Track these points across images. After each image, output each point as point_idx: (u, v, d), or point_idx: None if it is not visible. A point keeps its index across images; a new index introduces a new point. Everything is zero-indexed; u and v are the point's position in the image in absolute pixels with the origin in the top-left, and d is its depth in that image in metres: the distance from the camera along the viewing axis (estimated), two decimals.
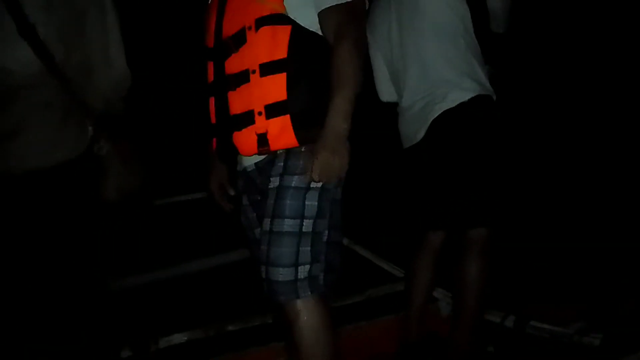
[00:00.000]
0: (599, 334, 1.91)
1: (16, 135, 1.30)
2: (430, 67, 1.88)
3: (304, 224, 1.34)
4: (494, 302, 2.09)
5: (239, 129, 1.37)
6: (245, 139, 1.37)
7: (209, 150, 1.58)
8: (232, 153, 1.44)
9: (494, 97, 1.91)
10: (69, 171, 1.33)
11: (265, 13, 1.32)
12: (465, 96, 1.85)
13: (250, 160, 1.43)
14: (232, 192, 1.60)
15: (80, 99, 1.34)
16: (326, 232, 1.39)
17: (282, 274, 1.33)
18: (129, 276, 2.31)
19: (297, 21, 1.33)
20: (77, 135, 1.35)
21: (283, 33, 1.32)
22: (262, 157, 1.40)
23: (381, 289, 2.34)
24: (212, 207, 1.65)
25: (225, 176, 1.61)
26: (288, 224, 1.33)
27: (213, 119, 1.46)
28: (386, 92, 2.07)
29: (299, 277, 1.33)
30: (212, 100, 1.45)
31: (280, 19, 1.32)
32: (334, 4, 1.33)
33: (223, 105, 1.40)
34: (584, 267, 2.51)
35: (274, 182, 1.37)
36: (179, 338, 1.97)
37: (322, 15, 1.35)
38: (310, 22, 1.35)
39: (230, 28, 1.38)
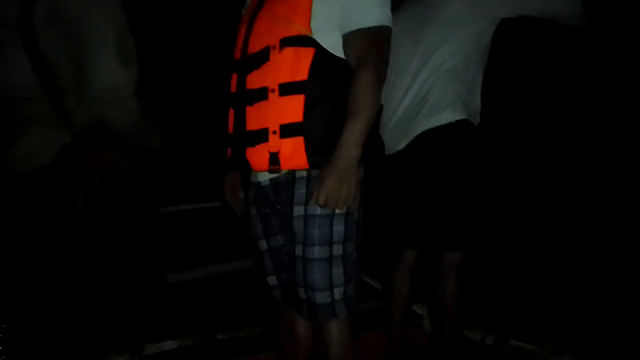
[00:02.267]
0: (572, 354, 2.02)
1: (14, 142, 1.38)
2: (432, 80, 1.88)
3: (333, 249, 1.39)
4: (475, 320, 2.17)
5: (253, 145, 1.39)
6: (257, 155, 1.39)
7: (226, 156, 1.60)
8: (245, 165, 1.46)
9: (476, 125, 1.94)
10: (45, 176, 1.39)
11: (291, 34, 1.34)
12: (456, 117, 1.86)
13: (265, 176, 1.45)
14: (242, 196, 1.63)
15: (66, 109, 1.39)
16: (354, 253, 1.44)
17: (320, 297, 1.40)
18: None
19: (322, 43, 1.35)
20: (56, 143, 1.42)
21: (306, 55, 1.34)
22: (278, 174, 1.42)
23: (366, 305, 2.39)
24: (223, 214, 1.69)
25: (237, 181, 1.63)
26: (319, 251, 1.39)
27: (230, 130, 1.49)
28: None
29: (335, 298, 1.41)
30: (231, 112, 1.48)
31: (305, 41, 1.34)
32: (359, 27, 1.35)
33: (241, 118, 1.43)
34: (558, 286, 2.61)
35: (299, 210, 1.40)
36: (169, 345, 1.97)
37: (347, 38, 1.36)
38: (334, 44, 1.37)
39: (255, 44, 1.40)
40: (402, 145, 1.93)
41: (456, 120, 1.87)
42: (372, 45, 1.35)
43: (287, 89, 1.34)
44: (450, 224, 1.92)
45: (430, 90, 1.88)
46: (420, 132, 1.88)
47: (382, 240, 2.11)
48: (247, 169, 1.48)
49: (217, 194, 1.74)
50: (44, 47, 1.40)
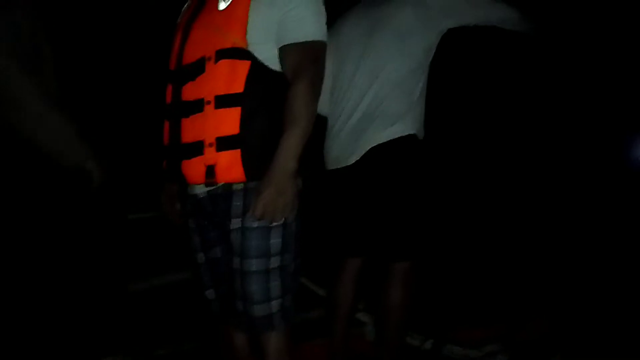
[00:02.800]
0: (505, 356, 2.10)
1: None
2: (383, 92, 1.89)
3: (271, 261, 1.40)
4: (417, 325, 2.21)
5: (188, 158, 1.37)
6: (193, 168, 1.37)
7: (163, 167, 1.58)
8: (181, 177, 1.43)
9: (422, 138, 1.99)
10: None
11: (227, 46, 1.33)
12: (406, 131, 1.89)
13: (202, 188, 1.42)
14: (179, 208, 1.60)
15: None
16: (292, 264, 1.45)
17: (257, 310, 1.40)
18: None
19: (258, 56, 1.34)
20: None
21: (242, 68, 1.33)
22: (215, 186, 1.40)
23: (310, 313, 2.39)
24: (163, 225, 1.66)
25: (175, 192, 1.61)
26: (256, 263, 1.39)
27: (165, 142, 1.46)
28: (322, 102, 2.12)
29: (272, 311, 1.41)
30: (166, 123, 1.45)
31: (241, 53, 1.33)
32: (294, 41, 1.35)
33: (176, 130, 1.40)
34: (502, 290, 2.70)
35: (236, 223, 1.39)
36: None
37: (282, 51, 1.36)
38: (271, 56, 1.37)
39: (191, 55, 1.38)
40: (353, 159, 1.93)
41: (407, 134, 1.90)
42: (308, 59, 1.36)
43: (223, 101, 1.33)
44: (401, 235, 1.95)
45: (381, 105, 1.90)
46: (371, 146, 1.90)
47: (326, 249, 2.12)
48: (183, 181, 1.46)
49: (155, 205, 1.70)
50: None
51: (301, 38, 1.36)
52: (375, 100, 1.91)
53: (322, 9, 1.41)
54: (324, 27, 1.41)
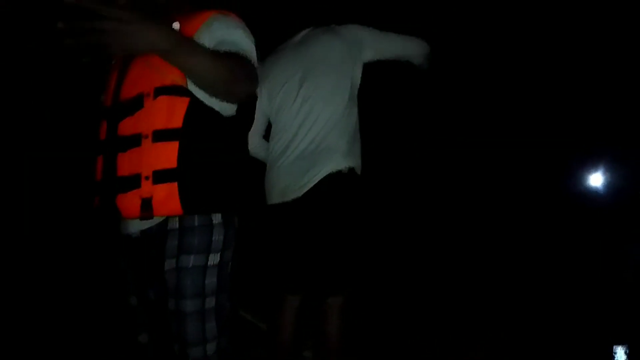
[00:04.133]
0: None
1: None
2: (324, 130, 1.94)
3: (206, 301, 1.37)
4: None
5: (124, 192, 1.35)
6: (129, 201, 1.34)
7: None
8: (113, 215, 1.40)
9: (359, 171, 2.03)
10: None
11: (166, 83, 1.34)
12: (347, 164, 1.93)
13: (135, 227, 1.40)
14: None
15: None
16: (227, 304, 1.43)
17: (193, 352, 1.36)
18: None
19: (196, 94, 1.35)
20: None
21: (181, 104, 1.34)
22: (149, 225, 1.38)
23: (251, 353, 2.35)
24: None
25: None
26: (191, 304, 1.36)
27: (98, 177, 1.43)
28: (257, 144, 2.15)
29: (208, 353, 1.37)
30: (100, 159, 1.43)
31: (180, 90, 1.34)
32: (231, 50, 1.33)
33: (110, 165, 1.39)
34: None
35: (170, 263, 1.36)
36: None
37: None
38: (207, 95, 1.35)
39: (129, 91, 1.38)
40: (299, 192, 1.94)
41: (347, 168, 1.94)
42: (238, 57, 1.33)
43: (161, 135, 1.33)
44: (338, 270, 1.96)
45: (323, 142, 1.94)
46: (317, 179, 1.92)
47: (267, 284, 2.10)
48: (114, 219, 1.42)
49: None
50: None
51: (235, 50, 1.35)
52: (317, 138, 1.95)
53: (250, 39, 1.42)
54: (254, 53, 1.41)
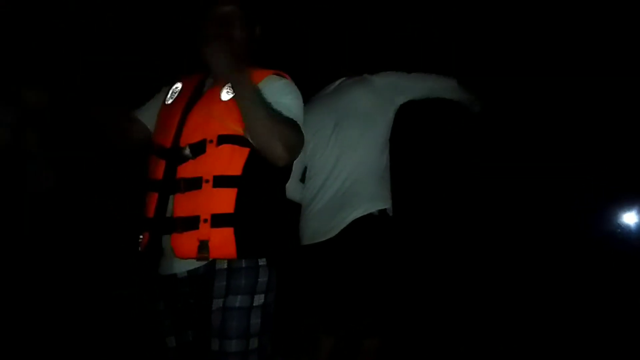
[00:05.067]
0: None
1: None
2: (351, 173, 2.01)
3: (250, 342, 1.39)
4: None
5: (180, 232, 1.38)
6: (185, 242, 1.38)
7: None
8: (159, 252, 1.43)
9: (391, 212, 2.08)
10: None
11: (228, 132, 1.40)
12: (377, 207, 1.99)
13: (182, 267, 1.42)
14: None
15: None
16: (269, 345, 1.44)
17: None
18: None
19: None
20: None
21: (241, 153, 1.40)
22: (197, 265, 1.40)
23: None
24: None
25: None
26: (236, 345, 1.37)
27: (150, 214, 1.45)
28: (293, 188, 2.17)
29: None
30: (154, 196, 1.46)
31: (241, 140, 1.40)
32: (285, 115, 1.41)
33: (164, 204, 1.42)
34: None
35: (217, 303, 1.39)
36: None
37: None
38: None
39: (191, 136, 1.43)
40: (331, 234, 1.98)
41: (378, 211, 2.00)
42: (290, 122, 1.43)
43: (221, 181, 1.39)
44: (373, 311, 1.98)
45: (355, 186, 2.01)
46: (348, 222, 1.96)
47: (300, 326, 2.11)
48: (157, 258, 1.44)
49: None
50: None
51: (286, 115, 1.43)
52: (346, 183, 2.02)
53: (302, 108, 1.51)
54: (302, 121, 1.50)
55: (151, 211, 1.45)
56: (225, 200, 1.38)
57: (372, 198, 2.00)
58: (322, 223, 2.01)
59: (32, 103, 1.61)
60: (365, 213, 1.97)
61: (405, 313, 2.26)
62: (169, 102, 1.58)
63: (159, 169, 1.47)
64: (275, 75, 1.51)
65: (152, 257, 1.48)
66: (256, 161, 1.41)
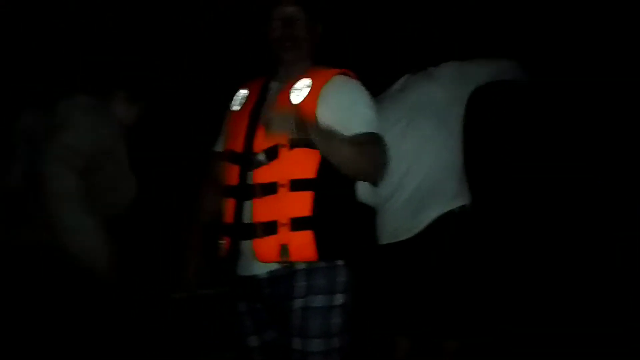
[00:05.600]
0: None
1: None
2: (428, 172, 1.96)
3: (331, 341, 1.41)
4: None
5: (260, 236, 1.41)
6: (266, 246, 1.41)
7: (190, 244, 1.61)
8: (238, 256, 1.46)
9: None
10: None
11: (300, 135, 1.40)
12: (457, 204, 1.95)
13: (262, 268, 1.44)
14: (206, 283, 1.59)
15: None
16: (348, 345, 1.44)
17: None
18: None
19: None
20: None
21: (314, 156, 1.41)
22: (277, 266, 1.43)
23: None
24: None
25: (205, 270, 1.61)
26: (318, 344, 1.39)
27: (230, 220, 1.49)
28: (365, 189, 2.16)
29: None
30: (231, 202, 1.49)
31: (313, 143, 1.39)
32: (363, 131, 1.43)
33: (241, 209, 1.46)
34: None
35: (298, 302, 1.41)
36: None
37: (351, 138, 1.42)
38: None
39: (263, 142, 1.44)
40: (412, 232, 1.96)
41: (458, 208, 1.96)
42: (372, 141, 1.44)
43: (297, 185, 1.41)
44: (456, 311, 1.93)
45: (433, 183, 1.97)
46: (430, 220, 1.93)
47: (374, 328, 2.07)
48: (236, 261, 1.47)
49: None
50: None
51: (365, 129, 1.45)
52: (424, 182, 1.97)
53: (374, 107, 1.51)
54: (378, 123, 1.50)
55: (230, 217, 1.49)
56: (302, 204, 1.40)
57: (452, 194, 1.96)
58: (403, 221, 1.98)
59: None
60: (446, 210, 1.93)
61: (485, 314, 2.14)
62: (236, 108, 1.60)
63: (234, 175, 1.50)
64: (342, 76, 1.51)
65: (233, 260, 1.51)
66: (329, 163, 1.41)
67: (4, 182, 1.72)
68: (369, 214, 2.05)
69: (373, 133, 1.45)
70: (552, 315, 2.97)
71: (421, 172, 1.97)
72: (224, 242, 1.50)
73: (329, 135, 1.38)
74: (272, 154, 1.43)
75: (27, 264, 1.59)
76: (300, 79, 1.49)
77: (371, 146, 1.42)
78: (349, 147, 1.38)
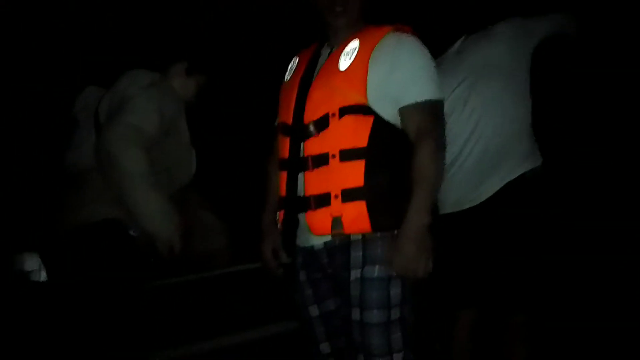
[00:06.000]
0: None
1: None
2: (495, 135, 1.85)
3: (391, 312, 1.38)
4: None
5: (314, 209, 1.40)
6: (319, 219, 1.39)
7: (263, 217, 1.62)
8: (295, 229, 1.46)
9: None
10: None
11: (350, 103, 1.37)
12: (528, 166, 1.83)
13: (319, 239, 1.44)
14: (285, 259, 1.59)
15: None
16: (412, 316, 1.42)
17: None
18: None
19: (379, 112, 1.38)
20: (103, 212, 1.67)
21: (365, 123, 1.37)
22: (335, 238, 1.41)
23: None
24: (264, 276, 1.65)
25: (279, 243, 1.60)
26: (377, 315, 1.37)
27: (283, 193, 1.48)
28: None
29: None
30: (284, 175, 1.48)
31: (363, 109, 1.37)
32: (415, 101, 1.37)
33: (295, 182, 1.44)
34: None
35: (355, 274, 1.39)
36: None
37: (403, 112, 1.39)
38: (390, 115, 1.39)
39: (313, 112, 1.42)
40: (480, 198, 1.86)
41: (529, 171, 1.85)
42: (432, 117, 1.39)
43: (347, 155, 1.37)
44: (523, 282, 1.83)
45: (496, 150, 1.86)
46: (497, 188, 1.83)
47: (438, 300, 2.02)
48: (294, 233, 1.47)
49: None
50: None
51: (421, 98, 1.39)
52: (490, 146, 1.86)
53: (434, 67, 1.44)
54: (439, 85, 1.43)
55: (283, 190, 1.48)
56: (353, 174, 1.37)
57: (522, 157, 1.85)
58: (468, 189, 1.87)
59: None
60: (517, 175, 1.82)
61: (556, 287, 2.04)
62: (288, 79, 1.58)
63: (285, 148, 1.49)
64: (396, 33, 1.43)
65: (290, 233, 1.51)
66: (381, 130, 1.38)
67: (71, 158, 1.80)
68: None
69: (428, 103, 1.38)
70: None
71: (487, 136, 1.86)
72: (279, 215, 1.51)
73: (426, 209, 1.35)
74: (321, 124, 1.40)
75: (98, 239, 1.65)
76: (350, 41, 1.43)
77: (431, 137, 1.37)
78: (427, 183, 1.35)
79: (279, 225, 1.53)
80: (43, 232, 1.73)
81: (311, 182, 1.41)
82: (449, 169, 1.92)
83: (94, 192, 1.68)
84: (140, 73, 1.78)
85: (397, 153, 1.40)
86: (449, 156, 1.91)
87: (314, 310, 1.51)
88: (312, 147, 1.42)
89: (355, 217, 1.36)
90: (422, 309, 1.57)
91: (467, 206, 1.88)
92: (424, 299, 1.61)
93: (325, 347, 1.51)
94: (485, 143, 1.86)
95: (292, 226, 1.46)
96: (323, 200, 1.38)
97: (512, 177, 1.82)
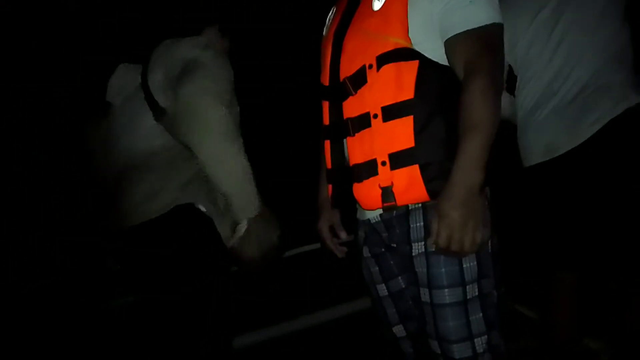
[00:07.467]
0: None
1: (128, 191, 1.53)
2: (591, 66, 1.56)
3: (467, 290, 1.16)
4: None
5: (360, 180, 1.21)
6: (367, 192, 1.21)
7: (319, 193, 1.48)
8: (349, 202, 1.29)
9: None
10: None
11: (389, 49, 1.15)
12: (635, 100, 1.52)
13: (374, 212, 1.26)
14: (344, 236, 1.45)
15: None
16: (494, 292, 1.19)
17: (458, 351, 1.17)
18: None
19: (425, 54, 1.15)
20: (167, 195, 1.51)
21: (409, 70, 1.14)
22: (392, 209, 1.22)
23: (523, 342, 2.02)
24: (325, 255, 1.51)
25: (337, 220, 1.47)
26: (449, 294, 1.16)
27: (329, 165, 1.32)
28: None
29: (478, 351, 1.17)
30: (327, 144, 1.32)
31: (406, 54, 1.14)
32: (463, 30, 1.12)
33: (339, 151, 1.27)
34: None
35: (418, 247, 1.19)
36: None
37: (451, 43, 1.14)
38: (439, 54, 1.16)
39: (348, 67, 1.23)
40: (565, 148, 1.57)
41: (636, 104, 1.51)
42: (483, 47, 1.11)
43: (391, 112, 1.16)
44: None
45: (593, 84, 1.55)
46: (597, 127, 1.52)
47: (533, 263, 1.80)
48: (351, 206, 1.31)
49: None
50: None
51: (472, 24, 1.12)
52: (585, 79, 1.56)
53: None
54: (497, 5, 1.15)
55: (329, 161, 1.32)
56: (401, 134, 1.14)
57: (627, 89, 1.53)
58: (560, 132, 1.59)
59: None
60: (621, 110, 1.50)
61: None
62: (326, 33, 1.39)
63: (326, 113, 1.31)
64: None
65: (344, 207, 1.35)
66: (430, 75, 1.14)
67: (123, 148, 1.62)
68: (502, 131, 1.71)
69: (480, 30, 1.11)
70: None
71: (579, 70, 1.56)
72: (329, 190, 1.35)
73: (476, 165, 1.07)
74: (358, 79, 1.19)
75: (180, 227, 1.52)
76: None
77: (482, 73, 1.09)
78: (478, 131, 1.07)
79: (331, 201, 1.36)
80: (105, 230, 1.64)
81: (354, 150, 1.22)
82: (533, 113, 1.66)
83: (160, 179, 1.53)
84: (184, 39, 1.61)
85: (452, 101, 1.13)
86: (530, 97, 1.67)
87: (382, 290, 1.35)
88: (351, 108, 1.22)
89: (408, 184, 1.14)
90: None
91: (562, 151, 1.57)
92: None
93: (399, 331, 1.35)
94: (576, 79, 1.56)
95: (342, 201, 1.29)
96: (369, 169, 1.19)
97: (615, 114, 1.50)
